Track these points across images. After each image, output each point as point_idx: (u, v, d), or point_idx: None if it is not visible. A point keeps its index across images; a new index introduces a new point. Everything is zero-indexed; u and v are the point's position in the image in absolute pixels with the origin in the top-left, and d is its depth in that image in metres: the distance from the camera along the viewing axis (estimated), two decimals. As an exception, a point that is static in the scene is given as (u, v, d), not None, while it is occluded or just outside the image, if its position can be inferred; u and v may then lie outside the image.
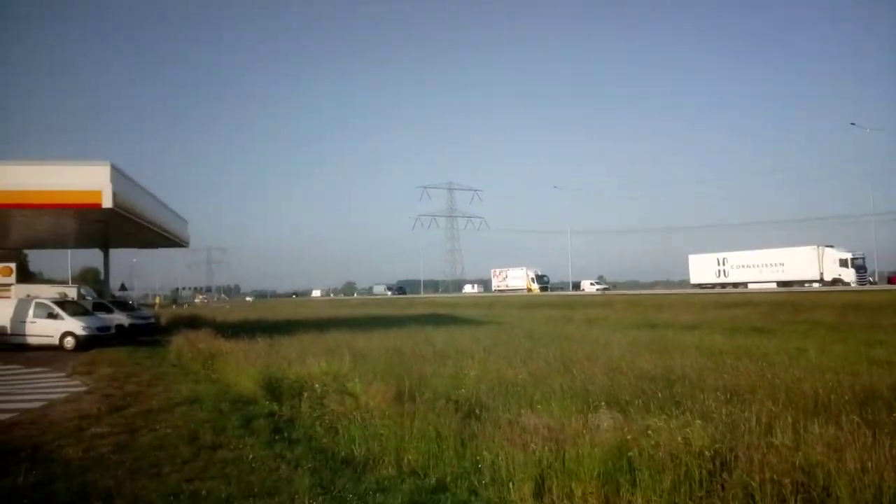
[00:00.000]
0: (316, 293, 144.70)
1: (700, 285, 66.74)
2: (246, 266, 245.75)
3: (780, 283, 58.80)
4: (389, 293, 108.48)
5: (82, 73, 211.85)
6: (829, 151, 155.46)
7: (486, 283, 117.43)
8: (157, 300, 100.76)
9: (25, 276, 46.25)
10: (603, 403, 7.79)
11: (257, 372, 13.07)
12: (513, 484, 6.36)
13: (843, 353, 14.59)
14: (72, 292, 34.40)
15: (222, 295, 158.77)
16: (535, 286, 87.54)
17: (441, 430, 7.57)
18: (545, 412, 7.82)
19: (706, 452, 5.57)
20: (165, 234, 28.09)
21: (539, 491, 6.24)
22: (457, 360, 13.15)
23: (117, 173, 18.99)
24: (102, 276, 38.85)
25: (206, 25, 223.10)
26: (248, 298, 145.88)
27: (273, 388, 12.00)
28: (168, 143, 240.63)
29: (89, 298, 34.40)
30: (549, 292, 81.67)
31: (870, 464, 4.94)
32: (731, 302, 39.48)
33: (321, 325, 24.94)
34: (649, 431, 6.07)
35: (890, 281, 60.63)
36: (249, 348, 16.10)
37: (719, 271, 66.90)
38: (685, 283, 75.19)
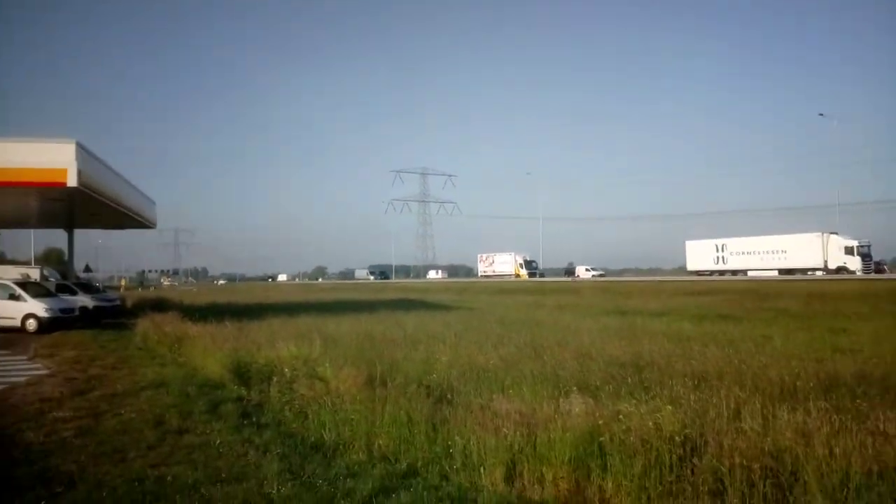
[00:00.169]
0: (282, 277, 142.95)
1: (697, 272, 64.45)
2: (214, 249, 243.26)
3: (782, 271, 57.17)
4: (372, 278, 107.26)
5: (45, 50, 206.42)
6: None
7: (454, 269, 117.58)
8: (123, 282, 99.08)
9: (-14, 256, 45.09)
10: (575, 388, 7.81)
11: (225, 356, 12.89)
12: (484, 469, 6.35)
13: (807, 341, 14.84)
14: (34, 273, 33.71)
15: (190, 278, 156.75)
16: (524, 272, 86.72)
17: (412, 414, 7.52)
18: (517, 397, 7.82)
19: (676, 437, 5.60)
20: (132, 214, 27.51)
21: (510, 475, 6.24)
22: (428, 345, 13.11)
23: (83, 151, 18.50)
24: (66, 257, 38.10)
25: (178, 3, 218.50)
26: (220, 282, 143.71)
27: (241, 373, 11.85)
28: (136, 123, 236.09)
29: (53, 280, 33.70)
30: (537, 278, 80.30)
31: (837, 449, 5.01)
32: (699, 290, 40.00)
33: (291, 309, 24.68)
34: (620, 416, 6.09)
35: None
36: (217, 332, 15.88)
37: (718, 258, 65.06)
38: (680, 270, 73.36)
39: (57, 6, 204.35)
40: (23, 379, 13.17)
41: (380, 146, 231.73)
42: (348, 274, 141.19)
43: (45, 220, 33.97)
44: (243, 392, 11.10)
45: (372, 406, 8.01)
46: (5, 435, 8.44)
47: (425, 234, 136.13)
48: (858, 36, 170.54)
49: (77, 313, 25.54)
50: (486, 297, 45.16)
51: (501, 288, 58.64)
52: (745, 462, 5.10)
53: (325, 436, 8.13)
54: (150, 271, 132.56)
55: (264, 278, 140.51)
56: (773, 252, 60.61)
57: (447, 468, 6.70)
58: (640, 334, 15.76)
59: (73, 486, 6.41)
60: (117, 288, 74.06)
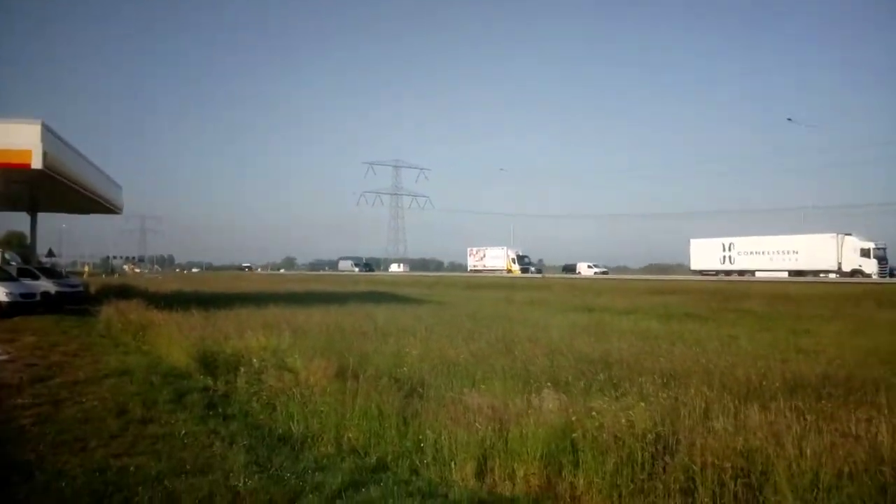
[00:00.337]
0: (245, 264, 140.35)
1: (702, 272, 62.12)
2: (181, 237, 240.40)
3: (793, 273, 54.87)
4: (357, 270, 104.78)
5: (9, 32, 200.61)
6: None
7: (424, 263, 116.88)
8: (87, 268, 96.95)
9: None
10: (549, 384, 7.80)
11: (191, 345, 12.66)
12: (455, 463, 6.31)
13: (771, 341, 15.08)
14: (-6, 257, 32.77)
15: (156, 266, 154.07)
16: (516, 267, 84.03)
17: (383, 408, 7.44)
18: (488, 392, 7.79)
19: (649, 435, 5.62)
20: (98, 199, 26.92)
21: (481, 471, 6.21)
22: (399, 338, 13.02)
23: (49, 133, 18.01)
24: (29, 241, 37.17)
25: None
26: (193, 270, 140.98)
27: (208, 362, 11.63)
28: (104, 106, 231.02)
29: (14, 264, 32.87)
30: (531, 274, 77.51)
31: (808, 450, 5.06)
32: (667, 289, 40.52)
33: (260, 299, 24.39)
34: (594, 413, 6.09)
35: None
36: (184, 321, 15.61)
37: (724, 257, 62.92)
38: (682, 269, 71.17)
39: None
40: (-20, 364, 12.78)
41: (355, 138, 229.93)
42: (318, 265, 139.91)
43: (8, 203, 33.02)
44: (209, 382, 10.90)
45: (342, 398, 7.92)
46: (-40, 422, 8.18)
47: (397, 226, 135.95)
48: (873, 35, 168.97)
49: (39, 298, 24.88)
50: (456, 292, 45.14)
51: (469, 283, 58.44)
52: (716, 461, 5.13)
53: (293, 428, 8.02)
54: (115, 257, 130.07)
55: (240, 268, 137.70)
56: (783, 252, 58.44)
57: (417, 463, 6.64)
58: (608, 331, 15.87)
59: (31, 475, 6.21)
60: (81, 274, 72.42)
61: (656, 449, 5.54)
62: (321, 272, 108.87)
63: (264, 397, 9.23)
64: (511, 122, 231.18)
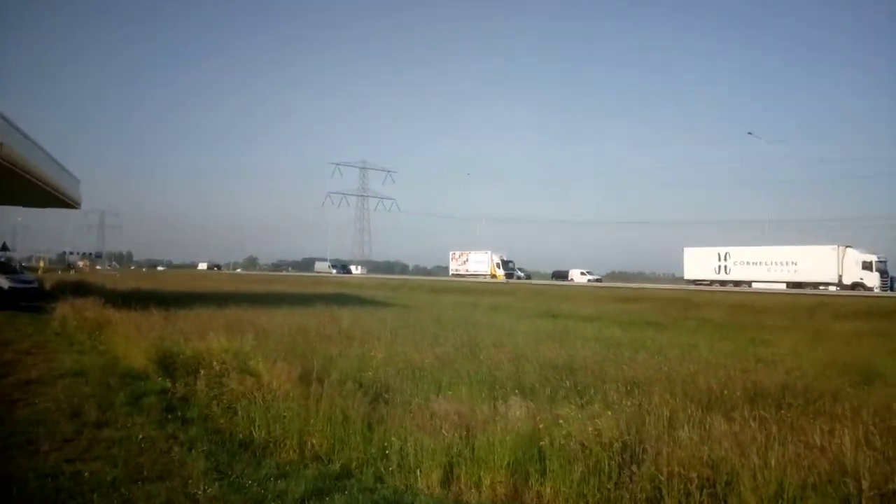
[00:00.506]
0: (202, 266, 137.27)
1: (695, 281, 60.12)
2: (141, 234, 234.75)
3: (791, 284, 52.86)
4: (334, 271, 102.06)
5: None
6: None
7: (390, 266, 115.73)
8: (42, 264, 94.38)
9: None
10: (516, 391, 7.78)
11: (150, 345, 12.33)
12: (420, 471, 6.24)
13: (731, 350, 15.33)
14: (-56, 251, 31.67)
15: (114, 262, 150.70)
16: (500, 272, 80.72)
17: (348, 413, 7.33)
18: (455, 398, 7.74)
19: (615, 444, 5.63)
20: (55, 192, 26.21)
21: (447, 479, 6.15)
22: (363, 341, 12.90)
23: (4, 122, 17.49)
24: (-20, 235, 35.99)
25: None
26: (158, 268, 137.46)
27: (167, 364, 11.33)
28: (62, 96, 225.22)
29: (-36, 258, 31.80)
30: (515, 280, 74.84)
31: (772, 461, 5.11)
32: (629, 297, 41.06)
33: (222, 299, 23.99)
34: (561, 421, 6.08)
35: None
36: (142, 320, 15.25)
37: (720, 267, 61.10)
38: (674, 278, 69.42)
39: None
40: (-74, 363, 12.32)
41: (322, 138, 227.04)
42: (281, 265, 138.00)
43: (-41, 195, 32.02)
44: (168, 384, 10.63)
45: (305, 403, 7.78)
46: None
47: (363, 228, 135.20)
48: (878, 42, 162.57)
49: (-10, 294, 24.17)
50: (421, 296, 45.08)
51: (434, 287, 58.26)
52: (682, 471, 5.16)
53: (254, 433, 7.86)
54: (71, 253, 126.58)
55: (217, 267, 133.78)
56: (782, 264, 56.62)
57: (382, 470, 6.56)
58: (572, 338, 15.98)
59: (-22, 480, 5.98)
60: (36, 269, 70.52)
61: (623, 458, 5.56)
62: (285, 273, 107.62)
63: (225, 401, 9.01)
64: (490, 121, 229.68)
